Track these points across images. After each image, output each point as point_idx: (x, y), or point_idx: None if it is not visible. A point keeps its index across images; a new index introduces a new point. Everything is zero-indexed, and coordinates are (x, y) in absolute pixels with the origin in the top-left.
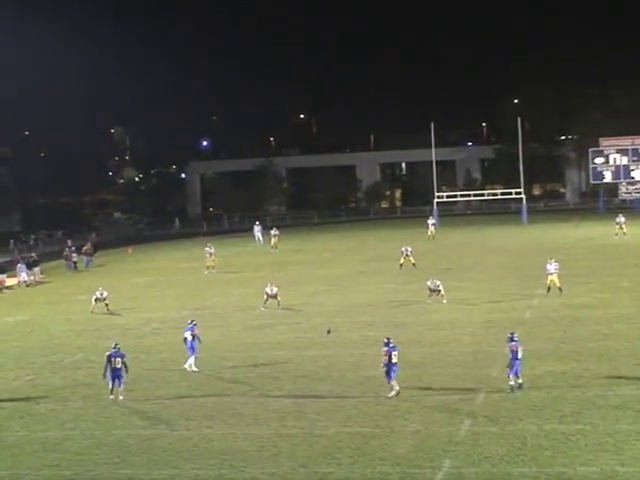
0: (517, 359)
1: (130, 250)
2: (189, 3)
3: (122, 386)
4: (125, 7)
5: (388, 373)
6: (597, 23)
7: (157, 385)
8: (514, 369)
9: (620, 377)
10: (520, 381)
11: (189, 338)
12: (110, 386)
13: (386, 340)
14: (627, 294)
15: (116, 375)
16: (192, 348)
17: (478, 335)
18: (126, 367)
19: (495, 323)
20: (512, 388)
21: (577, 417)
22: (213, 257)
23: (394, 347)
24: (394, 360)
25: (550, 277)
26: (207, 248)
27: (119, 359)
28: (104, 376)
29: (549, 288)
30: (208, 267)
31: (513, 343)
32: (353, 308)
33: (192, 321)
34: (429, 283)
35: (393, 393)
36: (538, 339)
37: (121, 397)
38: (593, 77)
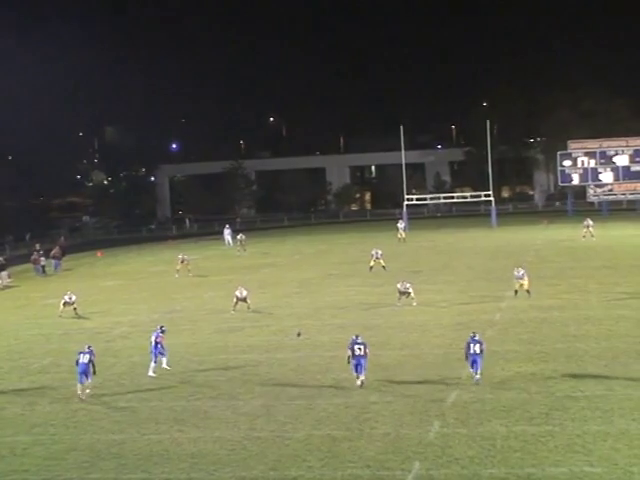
0: (476, 355)
1: (99, 254)
2: (159, 5)
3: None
4: (92, 9)
5: (354, 367)
6: (565, 24)
7: (126, 389)
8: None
9: (588, 378)
10: (478, 377)
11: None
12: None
13: (353, 337)
14: (595, 296)
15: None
16: (154, 354)
17: (448, 337)
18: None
19: (465, 325)
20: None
21: (546, 418)
22: (185, 263)
23: (356, 342)
24: (357, 353)
25: (520, 281)
26: (180, 256)
27: (87, 356)
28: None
29: (516, 291)
30: (179, 271)
31: (471, 341)
32: (323, 311)
33: (161, 327)
34: (399, 286)
35: (358, 383)
36: (507, 341)
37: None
38: (562, 79)
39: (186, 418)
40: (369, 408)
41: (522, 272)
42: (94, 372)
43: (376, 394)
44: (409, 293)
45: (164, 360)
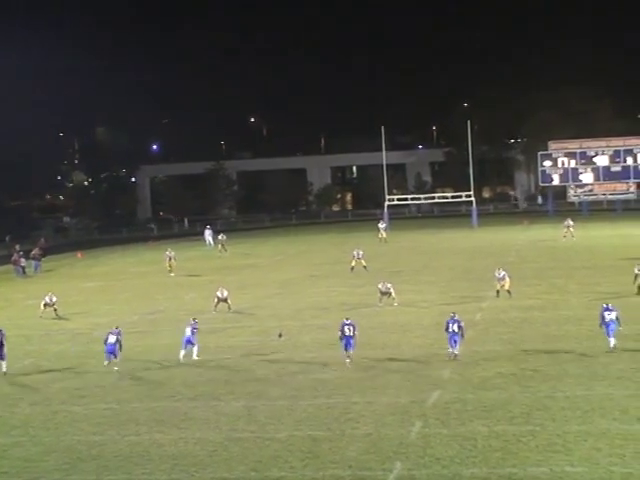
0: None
1: (79, 254)
2: (139, 5)
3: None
4: (72, 9)
5: (345, 345)
6: (547, 23)
7: (106, 390)
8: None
9: (569, 378)
10: (456, 352)
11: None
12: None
13: (344, 319)
14: (575, 296)
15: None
16: (186, 342)
17: (429, 337)
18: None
19: None
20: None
21: (527, 418)
22: (173, 261)
23: (346, 323)
24: (346, 333)
25: (501, 282)
26: (167, 252)
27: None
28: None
29: (498, 292)
30: (171, 269)
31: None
32: (304, 311)
33: (194, 319)
34: (380, 286)
35: (347, 361)
36: (488, 341)
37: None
38: (544, 79)
39: (166, 419)
40: (350, 408)
41: (503, 273)
42: (120, 350)
43: (357, 394)
44: (390, 293)
45: (194, 350)
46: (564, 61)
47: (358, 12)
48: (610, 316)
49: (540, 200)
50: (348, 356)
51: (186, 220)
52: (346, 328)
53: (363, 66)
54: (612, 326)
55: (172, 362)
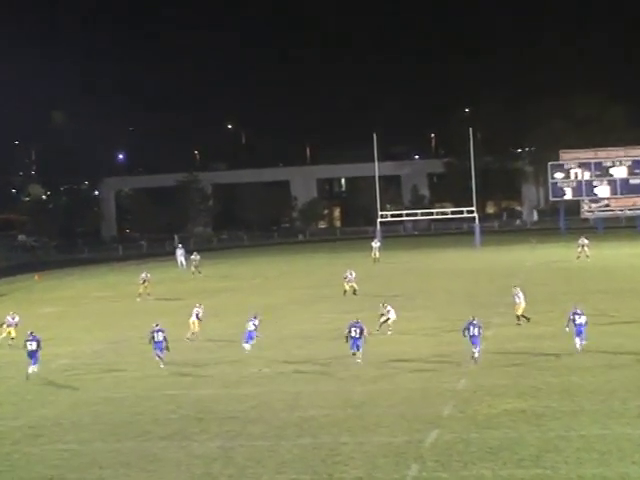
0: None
1: (37, 277)
2: (107, 7)
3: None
4: (35, 11)
5: (351, 345)
6: (556, 25)
7: (66, 429)
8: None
9: (584, 415)
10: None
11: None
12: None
13: (352, 320)
14: (590, 323)
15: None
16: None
17: (427, 370)
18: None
19: (445, 356)
20: None
21: (537, 460)
22: (147, 284)
23: (354, 325)
24: (353, 335)
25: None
26: (143, 274)
27: (161, 333)
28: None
29: (518, 317)
30: (141, 294)
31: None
32: (288, 340)
33: (255, 315)
34: (382, 307)
35: (358, 360)
36: (494, 374)
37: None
38: (553, 83)
39: (133, 461)
40: (339, 449)
41: (519, 293)
42: (167, 348)
43: (346, 434)
44: (388, 319)
45: (248, 345)
46: (574, 64)
47: (349, 12)
48: (579, 320)
49: (536, 216)
50: (354, 354)
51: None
52: (353, 330)
53: (353, 67)
54: (581, 329)
55: (139, 396)
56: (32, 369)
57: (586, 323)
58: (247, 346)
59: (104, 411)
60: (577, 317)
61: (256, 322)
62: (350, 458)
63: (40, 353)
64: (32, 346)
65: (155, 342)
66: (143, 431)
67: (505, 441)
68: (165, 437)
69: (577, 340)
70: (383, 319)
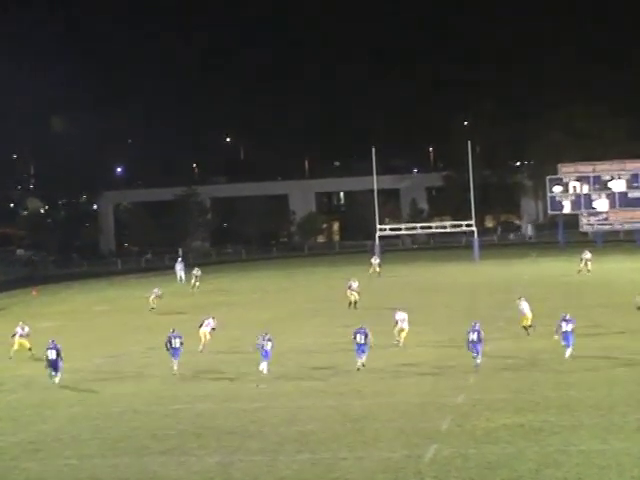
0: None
1: (34, 292)
2: (105, 15)
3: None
4: (32, 21)
5: (356, 352)
6: (556, 36)
7: (64, 444)
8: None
9: (583, 430)
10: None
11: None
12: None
13: (359, 327)
14: (591, 338)
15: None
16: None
17: (426, 384)
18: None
19: (444, 370)
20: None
21: (536, 475)
22: (157, 299)
23: (359, 331)
24: (357, 341)
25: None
26: (155, 290)
27: (177, 340)
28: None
29: (525, 327)
30: (153, 308)
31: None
32: (286, 355)
33: (265, 333)
34: (396, 316)
35: (358, 365)
36: (492, 388)
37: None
38: (552, 96)
39: (131, 477)
40: (337, 465)
41: (524, 304)
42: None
43: (345, 449)
44: (403, 329)
45: (264, 364)
46: (573, 77)
47: (346, 22)
48: (567, 327)
49: (531, 231)
50: (358, 361)
51: (149, 254)
52: (358, 336)
53: (351, 81)
54: (568, 336)
55: (137, 412)
56: (55, 379)
57: (572, 330)
58: (265, 365)
59: (103, 426)
60: (564, 324)
61: (270, 338)
62: (349, 473)
63: (62, 363)
64: (52, 354)
65: (173, 348)
66: (142, 446)
67: (503, 456)
68: (164, 452)
69: (567, 351)
70: (398, 328)
